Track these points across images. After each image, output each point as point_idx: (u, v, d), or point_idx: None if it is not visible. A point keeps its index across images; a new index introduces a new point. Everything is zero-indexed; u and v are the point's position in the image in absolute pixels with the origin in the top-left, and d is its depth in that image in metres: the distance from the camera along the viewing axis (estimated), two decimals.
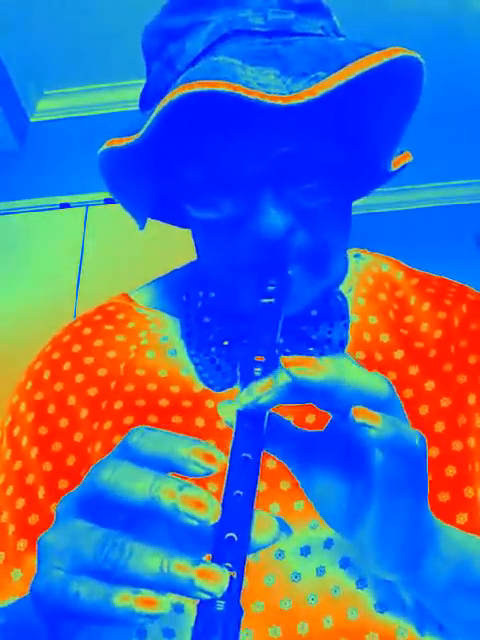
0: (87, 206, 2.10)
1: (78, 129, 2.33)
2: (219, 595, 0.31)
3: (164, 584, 0.31)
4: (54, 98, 2.40)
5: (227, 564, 0.33)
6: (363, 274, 0.65)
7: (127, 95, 2.25)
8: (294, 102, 0.43)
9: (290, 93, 0.43)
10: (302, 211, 0.50)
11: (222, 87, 0.42)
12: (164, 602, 0.31)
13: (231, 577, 0.33)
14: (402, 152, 0.55)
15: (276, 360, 0.42)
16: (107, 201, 2.08)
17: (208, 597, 0.31)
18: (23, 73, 2.26)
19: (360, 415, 0.34)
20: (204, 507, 0.31)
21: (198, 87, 0.42)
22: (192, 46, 0.50)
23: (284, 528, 0.35)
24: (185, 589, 0.31)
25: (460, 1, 2.02)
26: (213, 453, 0.33)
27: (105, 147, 0.48)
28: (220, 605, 0.32)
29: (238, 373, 0.57)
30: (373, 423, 0.34)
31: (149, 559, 0.31)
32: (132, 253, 1.93)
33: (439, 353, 0.59)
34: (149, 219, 0.62)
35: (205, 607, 0.32)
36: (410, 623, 0.49)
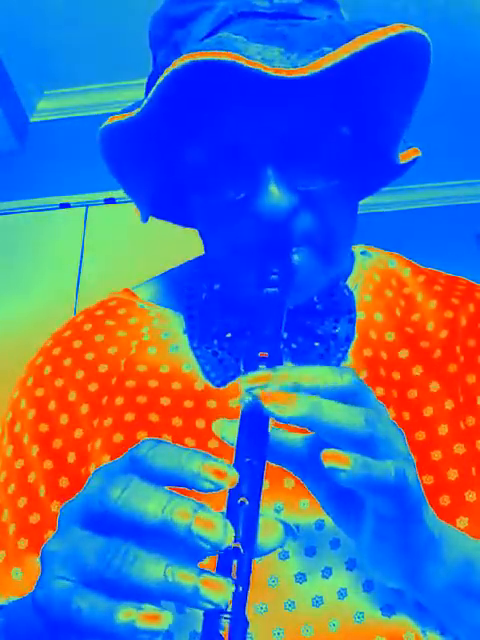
0: (87, 206, 2.10)
1: (78, 129, 2.33)
2: (223, 606, 0.30)
3: (168, 593, 0.30)
4: (54, 98, 2.40)
5: (232, 575, 0.33)
6: (370, 271, 0.64)
7: (127, 95, 2.25)
8: (297, 75, 0.42)
9: (294, 67, 0.43)
10: (308, 193, 0.49)
11: (225, 57, 0.41)
12: (166, 618, 0.30)
13: (237, 589, 0.32)
14: (410, 147, 0.54)
15: (280, 355, 0.42)
16: (107, 201, 2.08)
17: (211, 607, 0.30)
18: (23, 73, 2.26)
19: (329, 459, 0.34)
20: (218, 530, 0.31)
21: (200, 57, 0.42)
22: (197, 29, 0.50)
23: (290, 532, 0.36)
24: (189, 598, 0.30)
25: (463, 1, 2.02)
26: (224, 469, 0.33)
27: (107, 123, 0.48)
28: (225, 619, 0.32)
29: (242, 368, 0.56)
30: (342, 466, 0.34)
31: (153, 567, 0.31)
32: (132, 253, 1.92)
33: (444, 354, 0.59)
34: (150, 218, 0.61)
35: (210, 620, 0.32)
36: (417, 627, 0.49)
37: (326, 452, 0.34)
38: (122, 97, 2.27)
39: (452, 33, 2.08)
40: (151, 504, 0.32)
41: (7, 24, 2.07)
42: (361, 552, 0.42)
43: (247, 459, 0.36)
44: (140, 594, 0.31)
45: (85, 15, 2.07)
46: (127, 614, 0.30)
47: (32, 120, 2.42)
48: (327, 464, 0.34)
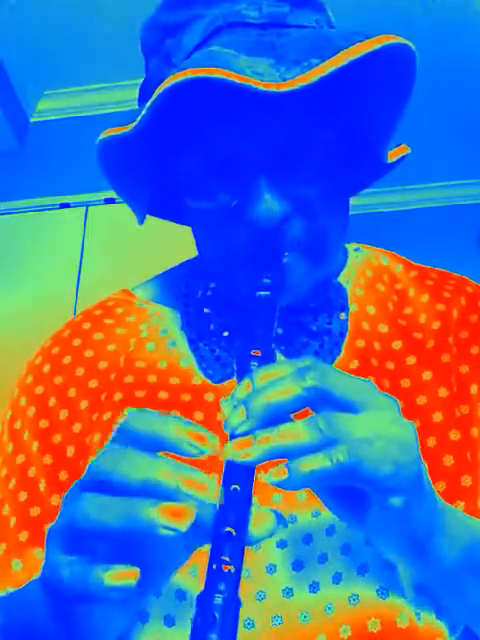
0: (87, 206, 2.10)
1: (78, 129, 2.33)
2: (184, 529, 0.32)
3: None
4: (54, 98, 2.40)
5: (225, 557, 0.34)
6: (362, 267, 0.66)
7: (127, 95, 2.25)
8: (287, 89, 0.44)
9: (283, 80, 0.44)
10: (298, 199, 0.51)
11: (216, 73, 0.43)
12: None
13: (229, 571, 0.34)
14: (399, 145, 0.56)
15: (272, 354, 0.43)
16: (107, 201, 2.08)
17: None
18: (23, 73, 2.26)
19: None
20: (204, 487, 0.33)
21: (192, 74, 0.43)
22: (188, 39, 0.51)
23: (281, 521, 0.36)
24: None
25: (461, 1, 2.02)
26: (207, 435, 0.35)
27: (103, 136, 0.49)
28: (218, 598, 0.33)
29: (234, 367, 0.58)
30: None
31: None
32: (132, 253, 1.93)
33: (437, 344, 0.60)
34: (149, 218, 0.62)
35: (204, 600, 0.33)
36: (411, 608, 0.50)
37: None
38: (122, 97, 2.28)
39: (452, 34, 2.09)
40: (138, 468, 0.33)
41: (7, 24, 2.07)
42: (367, 535, 0.42)
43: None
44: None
45: (85, 15, 2.07)
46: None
47: (32, 120, 2.42)
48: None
